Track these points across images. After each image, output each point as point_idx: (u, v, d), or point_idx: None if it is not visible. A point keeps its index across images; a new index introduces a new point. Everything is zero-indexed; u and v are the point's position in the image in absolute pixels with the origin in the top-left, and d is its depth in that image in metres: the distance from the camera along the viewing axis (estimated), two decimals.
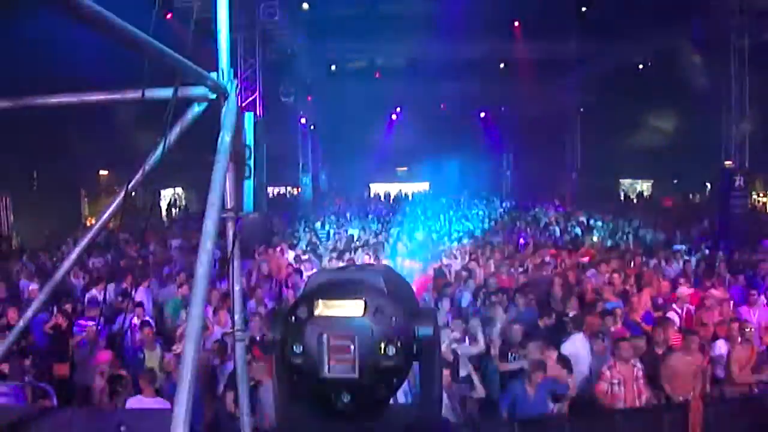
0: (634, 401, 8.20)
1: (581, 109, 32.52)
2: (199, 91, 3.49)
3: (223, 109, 3.47)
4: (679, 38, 23.80)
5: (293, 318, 1.62)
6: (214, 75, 3.61)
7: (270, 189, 28.13)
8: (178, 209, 29.37)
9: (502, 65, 29.56)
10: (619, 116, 28.90)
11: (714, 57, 22.62)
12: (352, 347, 1.56)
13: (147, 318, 10.46)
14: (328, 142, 33.52)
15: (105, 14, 2.14)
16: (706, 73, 24.06)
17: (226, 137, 3.31)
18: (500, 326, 9.76)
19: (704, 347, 9.16)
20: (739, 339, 9.19)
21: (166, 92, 3.51)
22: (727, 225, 20.21)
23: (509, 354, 9.04)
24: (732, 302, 11.20)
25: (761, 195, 28.73)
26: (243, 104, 17.34)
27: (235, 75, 3.85)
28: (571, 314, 10.11)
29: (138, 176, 3.68)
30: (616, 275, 12.71)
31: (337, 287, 1.64)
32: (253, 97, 17.67)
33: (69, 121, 16.73)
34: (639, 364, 8.34)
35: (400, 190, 37.00)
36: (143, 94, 3.54)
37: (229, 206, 3.60)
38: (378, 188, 37.46)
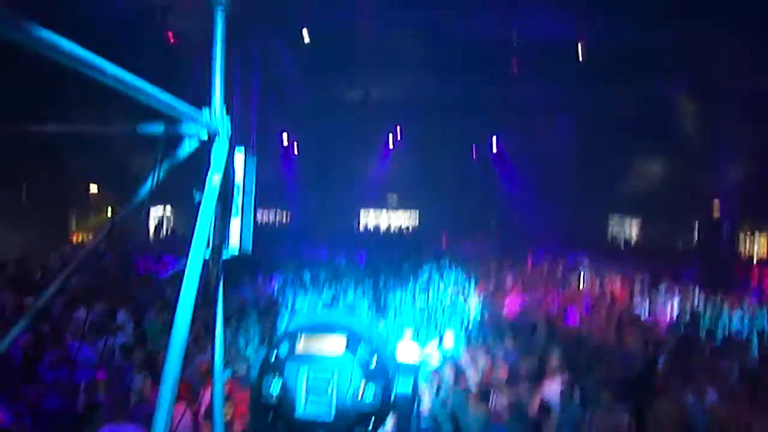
0: None
1: (573, 151, 32.65)
2: (191, 128, 3.47)
3: (213, 148, 3.44)
4: (672, 86, 24.08)
5: (274, 355, 1.58)
6: (207, 112, 3.59)
7: (259, 213, 28.09)
8: (166, 230, 29.14)
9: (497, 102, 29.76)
10: (610, 160, 29.05)
11: (705, 105, 22.89)
12: (330, 384, 1.53)
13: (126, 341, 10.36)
14: (320, 169, 33.50)
15: (87, 55, 2.09)
16: (697, 121, 24.32)
17: (214, 177, 3.28)
18: (482, 367, 9.70)
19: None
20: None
21: (157, 128, 3.50)
22: (714, 273, 20.26)
23: (491, 395, 8.97)
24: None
25: (749, 234, 28.68)
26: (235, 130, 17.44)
27: (229, 111, 3.83)
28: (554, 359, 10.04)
29: (125, 212, 3.65)
30: None
31: (320, 325, 1.62)
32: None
33: (60, 136, 16.68)
34: (625, 415, 8.22)
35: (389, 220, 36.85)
36: (134, 129, 3.52)
37: (213, 246, 3.56)
38: (369, 217, 37.31)
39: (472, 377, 9.41)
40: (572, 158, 31.94)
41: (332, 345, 1.56)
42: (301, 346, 1.57)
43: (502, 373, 9.23)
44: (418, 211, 36.47)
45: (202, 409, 7.89)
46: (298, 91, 26.64)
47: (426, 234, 29.99)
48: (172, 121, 3.48)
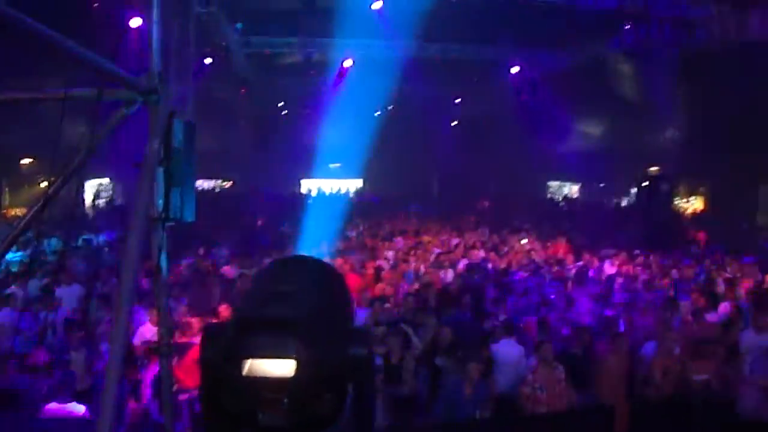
0: (556, 405, 8.31)
1: (512, 112, 32.93)
2: (126, 93, 3.34)
3: (152, 114, 3.32)
4: (609, 46, 24.40)
5: (222, 370, 1.51)
6: (144, 77, 3.46)
7: (199, 182, 27.68)
8: (104, 201, 28.48)
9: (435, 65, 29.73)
10: (548, 120, 29.41)
11: (642, 65, 23.26)
12: (285, 400, 1.48)
13: (70, 317, 10.12)
14: (261, 136, 33.13)
15: (21, 18, 1.97)
16: (634, 81, 24.73)
17: (154, 143, 3.17)
18: (431, 330, 9.75)
19: (634, 350, 9.38)
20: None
21: (92, 94, 3.36)
22: (652, 230, 20.74)
23: (437, 357, 9.04)
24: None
25: (685, 201, 29.60)
26: (173, 98, 17.06)
27: (167, 75, 3.68)
28: (501, 318, 10.18)
29: (59, 182, 3.50)
30: None
31: (265, 340, 1.52)
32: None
33: None
34: (561, 367, 8.46)
35: (319, 188, 36.69)
36: (65, 94, 3.37)
37: (156, 215, 3.45)
38: (311, 184, 37.10)
39: (418, 342, 9.45)
40: (512, 123, 32.25)
41: (281, 369, 1.49)
42: (247, 370, 1.50)
43: (447, 336, 9.27)
44: (362, 180, 36.42)
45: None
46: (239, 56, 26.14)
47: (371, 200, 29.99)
48: (107, 86, 3.35)
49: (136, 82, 3.27)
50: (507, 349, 9.04)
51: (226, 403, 1.51)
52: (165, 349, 3.58)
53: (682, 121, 23.45)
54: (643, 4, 20.33)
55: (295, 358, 1.46)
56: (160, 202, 3.47)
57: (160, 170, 3.45)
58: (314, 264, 1.77)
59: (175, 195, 3.61)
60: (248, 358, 1.47)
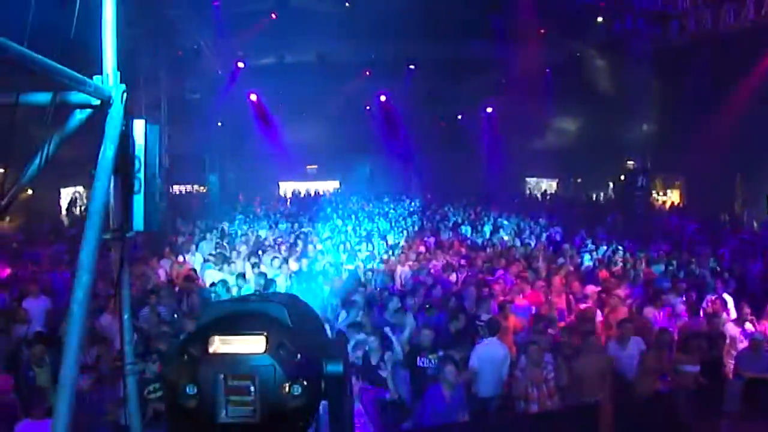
0: (545, 403, 8.26)
1: (489, 110, 32.91)
2: (80, 97, 3.13)
3: (107, 118, 3.12)
4: (586, 44, 24.48)
5: (186, 355, 1.41)
6: (99, 79, 3.26)
7: (176, 188, 27.40)
8: (79, 209, 28.04)
9: (411, 66, 29.67)
10: (526, 117, 29.42)
11: (618, 62, 23.33)
12: (252, 388, 1.37)
13: (38, 329, 9.82)
14: (237, 140, 32.82)
15: None
16: (610, 77, 24.79)
17: (108, 150, 2.96)
18: (409, 331, 9.60)
19: (607, 347, 9.32)
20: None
21: (43, 97, 3.16)
22: (630, 223, 20.76)
23: (418, 358, 8.90)
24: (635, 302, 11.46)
25: (661, 194, 29.82)
26: (145, 103, 16.84)
27: (126, 77, 3.48)
28: (484, 317, 10.04)
29: (14, 189, 3.30)
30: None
31: (235, 320, 1.46)
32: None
33: None
34: (550, 367, 8.41)
35: (308, 189, 36.49)
36: (17, 99, 3.17)
37: (114, 226, 3.25)
38: (288, 186, 36.87)
39: (399, 343, 9.28)
40: (491, 121, 32.29)
41: (250, 346, 1.38)
42: (214, 348, 1.38)
43: (429, 335, 9.13)
44: (338, 181, 36.23)
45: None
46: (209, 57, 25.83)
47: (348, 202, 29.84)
48: (60, 89, 3.15)
49: (90, 83, 3.07)
50: (491, 350, 8.90)
51: (190, 400, 1.40)
52: (130, 368, 3.38)
53: (657, 117, 23.52)
54: None
55: (265, 335, 1.40)
56: (119, 212, 3.28)
57: (119, 177, 3.25)
58: (280, 295, 1.75)
59: (137, 203, 3.42)
60: (215, 335, 1.37)
